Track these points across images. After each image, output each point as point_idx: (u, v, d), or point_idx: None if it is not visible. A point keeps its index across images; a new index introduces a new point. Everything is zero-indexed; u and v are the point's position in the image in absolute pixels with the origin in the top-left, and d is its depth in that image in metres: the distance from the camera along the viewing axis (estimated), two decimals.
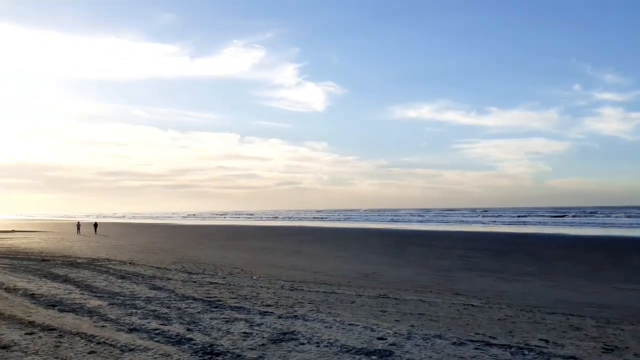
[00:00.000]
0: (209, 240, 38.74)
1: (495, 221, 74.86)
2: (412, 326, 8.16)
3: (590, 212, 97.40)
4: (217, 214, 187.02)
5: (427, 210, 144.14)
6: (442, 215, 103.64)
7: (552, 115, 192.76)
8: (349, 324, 8.21)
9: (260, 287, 12.74)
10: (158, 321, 8.40)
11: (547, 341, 7.30)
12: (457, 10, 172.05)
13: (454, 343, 7.03)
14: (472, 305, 10.45)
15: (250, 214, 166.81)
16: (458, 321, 8.73)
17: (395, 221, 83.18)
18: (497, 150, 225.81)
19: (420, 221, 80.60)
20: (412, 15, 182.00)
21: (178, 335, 7.41)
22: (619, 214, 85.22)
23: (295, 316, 8.87)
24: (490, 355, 6.48)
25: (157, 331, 7.69)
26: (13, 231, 52.94)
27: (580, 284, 14.53)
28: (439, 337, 7.39)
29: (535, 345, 7.00)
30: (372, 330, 7.81)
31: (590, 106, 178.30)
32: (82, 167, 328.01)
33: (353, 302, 10.54)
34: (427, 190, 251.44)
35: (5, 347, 6.79)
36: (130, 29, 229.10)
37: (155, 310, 9.40)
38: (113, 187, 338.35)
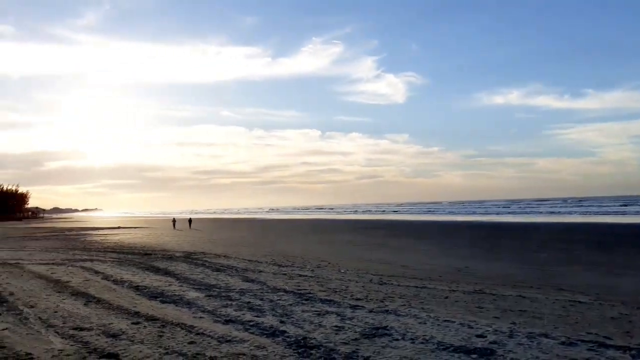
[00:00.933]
0: (295, 233, 39.52)
1: (588, 211, 69.22)
2: (514, 324, 7.66)
3: None
4: (301, 209, 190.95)
5: (519, 201, 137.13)
6: (532, 206, 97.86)
7: None
8: (444, 320, 7.88)
9: (349, 280, 12.68)
10: (252, 313, 8.60)
11: None
12: None
13: (563, 343, 6.48)
14: (579, 302, 9.63)
15: (333, 208, 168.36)
16: (565, 319, 8.07)
17: (484, 213, 79.78)
18: (596, 135, 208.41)
19: (511, 212, 76.61)
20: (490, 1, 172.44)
21: (272, 328, 7.52)
22: None
23: (387, 311, 8.68)
24: (606, 358, 5.90)
25: (251, 323, 7.87)
26: (118, 227, 57.50)
27: None
28: (545, 335, 6.86)
29: None
30: (470, 327, 7.43)
31: None
32: (178, 167, 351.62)
33: (446, 298, 10.14)
34: (519, 180, 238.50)
35: (114, 336, 7.26)
36: (215, 34, 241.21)
37: (249, 302, 9.65)
38: (206, 185, 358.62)
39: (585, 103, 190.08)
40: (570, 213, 67.11)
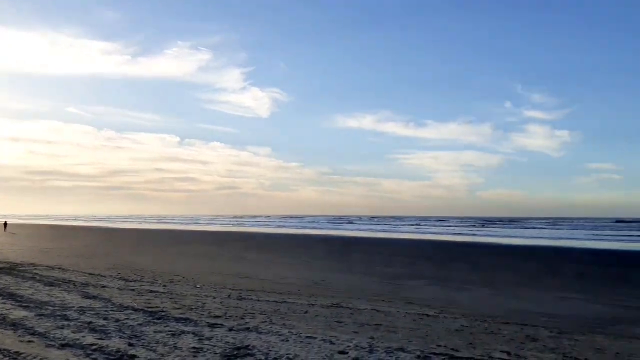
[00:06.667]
0: (146, 245, 36.94)
1: (421, 230, 76.53)
2: (372, 338, 7.82)
3: (510, 221, 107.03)
4: (152, 217, 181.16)
5: (372, 217, 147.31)
6: (377, 223, 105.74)
7: (486, 130, 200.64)
8: (307, 337, 7.74)
9: (206, 296, 12.00)
10: (94, 335, 7.55)
11: (508, 353, 7.19)
12: (399, 28, 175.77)
13: (418, 357, 6.74)
14: (427, 315, 10.29)
15: (188, 219, 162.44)
16: (416, 332, 8.50)
17: (337, 228, 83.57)
18: (432, 162, 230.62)
19: (360, 229, 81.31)
20: (356, 29, 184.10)
21: (119, 352, 6.64)
22: (543, 224, 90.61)
23: (248, 328, 8.29)
24: None
25: (93, 347, 6.87)
26: None
27: (524, 293, 14.86)
28: (402, 350, 7.08)
29: (499, 358, 6.85)
30: (332, 343, 7.39)
31: (519, 123, 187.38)
32: (9, 165, 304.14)
33: (306, 312, 10.08)
34: (367, 198, 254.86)
35: None
36: (69, 24, 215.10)
37: (90, 322, 8.49)
38: (42, 187, 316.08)
39: (426, 132, 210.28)
40: (412, 231, 73.39)
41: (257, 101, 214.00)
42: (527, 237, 55.11)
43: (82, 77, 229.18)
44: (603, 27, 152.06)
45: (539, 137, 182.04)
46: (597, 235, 58.39)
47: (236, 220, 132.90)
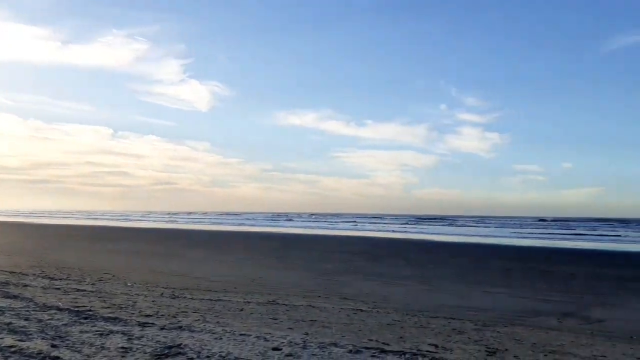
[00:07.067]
0: (74, 241, 35.18)
1: (357, 227, 78.21)
2: (306, 334, 7.92)
3: (441, 219, 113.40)
4: (83, 213, 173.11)
5: (311, 215, 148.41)
6: (315, 220, 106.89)
7: (422, 131, 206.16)
8: (240, 334, 7.72)
9: (137, 294, 11.64)
10: (14, 336, 7.13)
11: (436, 345, 7.53)
12: (342, 29, 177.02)
13: (350, 351, 6.92)
14: (361, 310, 10.56)
15: (120, 215, 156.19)
16: (350, 327, 8.70)
17: (275, 225, 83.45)
18: (371, 161, 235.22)
19: (299, 226, 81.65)
20: (298, 27, 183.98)
21: (40, 353, 6.32)
22: (472, 222, 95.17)
23: (180, 327, 8.14)
24: None
25: (13, 349, 6.50)
26: None
27: (454, 288, 15.55)
28: (335, 345, 7.23)
29: (427, 351, 7.16)
30: (266, 340, 7.42)
31: (453, 125, 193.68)
32: None
33: (242, 310, 10.04)
34: (307, 195, 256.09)
35: None
36: None
37: (10, 323, 8.00)
38: None
39: (366, 132, 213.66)
40: (350, 228, 74.67)
41: (196, 94, 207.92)
42: (457, 234, 57.60)
43: (7, 63, 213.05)
44: (532, 36, 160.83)
45: (471, 139, 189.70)
46: (521, 232, 62.01)
47: (170, 217, 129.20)
